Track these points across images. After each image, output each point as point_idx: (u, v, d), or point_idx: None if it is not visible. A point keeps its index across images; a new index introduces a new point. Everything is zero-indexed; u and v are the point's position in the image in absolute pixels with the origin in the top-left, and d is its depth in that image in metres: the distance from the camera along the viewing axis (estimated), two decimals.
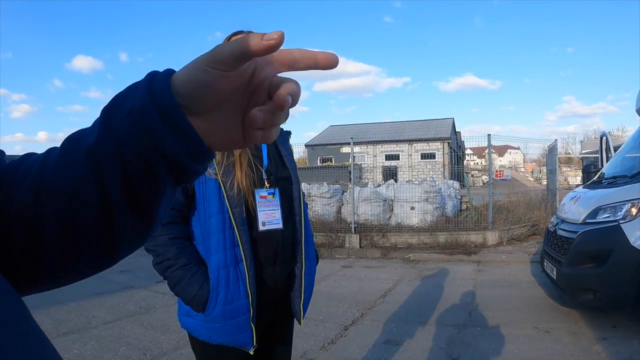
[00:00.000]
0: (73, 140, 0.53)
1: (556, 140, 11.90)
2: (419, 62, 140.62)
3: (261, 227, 1.68)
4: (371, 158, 36.47)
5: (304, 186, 12.77)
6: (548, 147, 12.52)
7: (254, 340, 1.66)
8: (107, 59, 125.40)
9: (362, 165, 30.67)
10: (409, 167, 36.44)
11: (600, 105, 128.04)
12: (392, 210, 11.62)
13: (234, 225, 1.62)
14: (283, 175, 1.81)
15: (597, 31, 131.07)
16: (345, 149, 38.46)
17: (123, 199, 0.50)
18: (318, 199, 12.27)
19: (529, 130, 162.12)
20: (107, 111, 0.51)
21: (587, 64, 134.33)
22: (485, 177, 17.92)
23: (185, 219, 1.72)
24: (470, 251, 9.04)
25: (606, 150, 7.08)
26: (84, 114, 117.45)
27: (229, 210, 1.61)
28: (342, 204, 12.23)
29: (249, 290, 1.63)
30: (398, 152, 40.75)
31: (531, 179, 30.35)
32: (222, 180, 1.62)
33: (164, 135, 0.47)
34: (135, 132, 0.47)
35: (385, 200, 11.59)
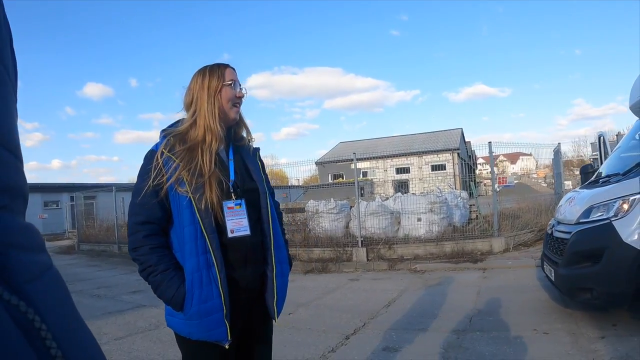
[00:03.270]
0: None
1: (559, 144, 11.91)
2: (428, 74, 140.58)
3: (230, 235, 1.86)
4: (382, 172, 36.53)
5: (312, 203, 12.89)
6: (553, 151, 12.53)
7: (228, 335, 1.82)
8: (117, 86, 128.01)
9: (373, 180, 30.71)
10: (419, 179, 36.53)
11: (610, 106, 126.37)
12: (400, 222, 11.66)
13: (205, 234, 1.80)
14: (250, 187, 1.99)
15: (603, 31, 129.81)
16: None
17: None
18: (326, 214, 12.34)
19: (540, 136, 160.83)
20: None
21: (596, 65, 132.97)
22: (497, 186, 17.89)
23: (164, 231, 1.90)
24: (477, 259, 9.04)
25: (604, 150, 7.10)
26: (95, 140, 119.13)
27: (200, 221, 1.80)
28: (350, 219, 12.30)
29: (221, 291, 1.79)
30: (408, 165, 40.80)
31: (544, 184, 30.09)
32: (192, 197, 1.80)
33: None
34: None
35: (392, 213, 11.64)
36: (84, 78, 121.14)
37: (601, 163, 7.16)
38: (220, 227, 1.85)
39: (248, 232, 1.90)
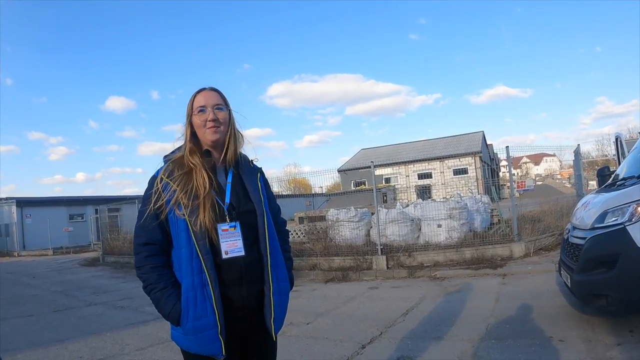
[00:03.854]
0: None
1: (579, 145, 11.80)
2: (448, 78, 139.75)
3: (224, 256, 1.96)
4: (404, 178, 36.53)
5: (333, 212, 12.95)
6: (574, 152, 12.39)
7: (223, 350, 1.93)
8: (139, 98, 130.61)
9: (396, 186, 30.66)
10: (442, 184, 36.32)
11: (634, 102, 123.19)
12: (420, 229, 11.66)
13: (200, 255, 1.92)
14: (246, 209, 2.07)
15: (623, 27, 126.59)
16: (378, 172, 38.70)
17: None
18: (346, 223, 12.40)
19: (564, 135, 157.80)
20: None
21: (617, 61, 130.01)
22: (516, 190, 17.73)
23: (165, 251, 2.04)
24: (497, 265, 8.97)
25: (621, 152, 7.02)
26: (119, 153, 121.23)
27: (195, 243, 1.92)
28: (371, 227, 12.32)
29: (215, 309, 1.90)
30: (430, 170, 40.73)
31: (568, 185, 29.58)
32: (188, 220, 1.93)
33: None
34: None
35: (412, 220, 11.64)
36: (106, 92, 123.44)
37: (619, 165, 7.08)
38: (215, 248, 1.95)
39: (242, 253, 1.99)
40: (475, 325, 5.45)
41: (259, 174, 2.23)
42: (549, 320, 5.29)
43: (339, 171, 44.22)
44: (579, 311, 5.46)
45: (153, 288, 1.97)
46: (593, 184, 19.60)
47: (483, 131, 47.74)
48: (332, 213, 12.96)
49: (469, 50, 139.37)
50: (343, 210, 12.92)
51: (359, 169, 41.33)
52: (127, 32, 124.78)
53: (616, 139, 7.41)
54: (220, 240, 1.96)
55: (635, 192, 4.67)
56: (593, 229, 4.84)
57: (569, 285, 5.07)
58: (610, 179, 6.06)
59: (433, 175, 39.98)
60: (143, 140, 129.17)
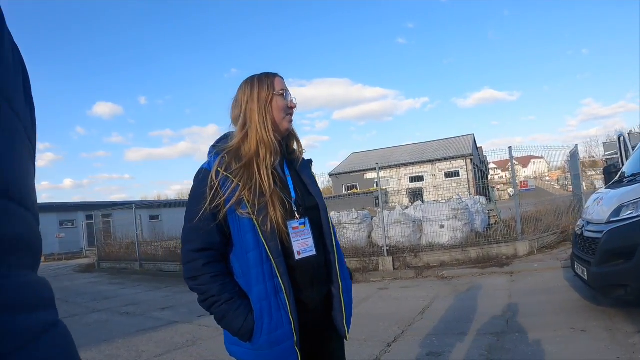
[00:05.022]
0: None
1: (577, 145, 12.03)
2: (436, 81, 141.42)
3: (297, 257, 1.77)
4: (396, 181, 36.67)
5: (333, 214, 13.03)
6: (570, 153, 12.61)
7: None
8: (126, 104, 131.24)
9: (388, 190, 30.74)
10: (434, 187, 36.56)
11: (620, 104, 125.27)
12: (422, 230, 11.78)
13: (271, 258, 1.70)
14: (311, 204, 1.90)
15: (609, 29, 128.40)
16: (370, 175, 38.93)
17: None
18: (349, 225, 12.50)
19: (551, 137, 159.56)
20: None
21: (603, 63, 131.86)
22: (511, 190, 17.98)
23: (224, 257, 1.80)
24: (503, 263, 9.15)
25: (625, 150, 7.22)
26: (107, 159, 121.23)
27: (265, 245, 1.70)
28: (373, 229, 12.44)
29: (290, 317, 1.70)
30: (422, 173, 41.05)
31: (557, 186, 30.03)
32: (255, 219, 1.70)
33: None
34: None
35: (414, 221, 11.76)
36: (93, 97, 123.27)
37: (622, 163, 7.29)
38: (286, 249, 1.75)
39: (314, 252, 1.82)
40: (495, 320, 5.58)
41: (310, 166, 2.07)
42: (566, 313, 5.45)
43: (330, 175, 44.40)
44: (594, 303, 5.63)
45: (216, 301, 1.71)
46: (582, 184, 19.95)
47: (473, 134, 48.25)
48: (333, 216, 13.05)
49: (456, 54, 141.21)
50: (345, 212, 13.02)
51: (353, 172, 41.48)
52: (116, 38, 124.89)
53: (619, 138, 7.62)
54: (292, 240, 1.77)
55: None
56: (609, 222, 5.03)
57: (586, 278, 5.23)
58: (617, 176, 6.25)
59: (425, 178, 40.34)
60: (130, 145, 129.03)
